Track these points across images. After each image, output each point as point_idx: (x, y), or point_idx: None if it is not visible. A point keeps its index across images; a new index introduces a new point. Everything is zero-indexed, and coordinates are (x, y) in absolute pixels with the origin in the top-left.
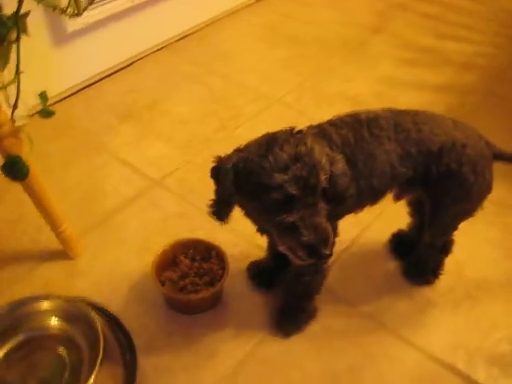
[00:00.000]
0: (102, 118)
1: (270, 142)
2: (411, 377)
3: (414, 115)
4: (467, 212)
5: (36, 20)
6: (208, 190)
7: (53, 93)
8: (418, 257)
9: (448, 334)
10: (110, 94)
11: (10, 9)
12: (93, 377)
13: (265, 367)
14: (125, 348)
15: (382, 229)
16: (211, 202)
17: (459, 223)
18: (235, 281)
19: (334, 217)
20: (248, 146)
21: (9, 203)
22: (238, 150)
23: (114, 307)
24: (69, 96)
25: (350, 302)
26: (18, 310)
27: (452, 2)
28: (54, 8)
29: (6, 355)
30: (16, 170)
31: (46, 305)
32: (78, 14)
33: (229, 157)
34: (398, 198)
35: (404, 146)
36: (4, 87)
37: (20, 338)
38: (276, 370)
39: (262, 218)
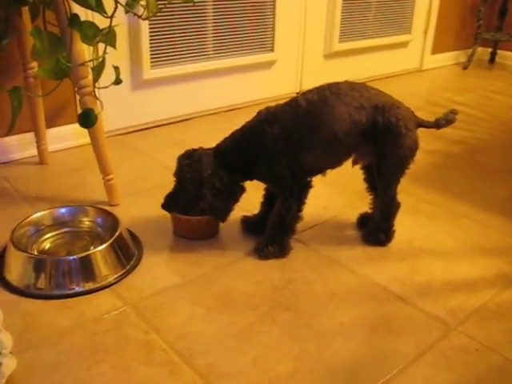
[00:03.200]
0: (156, 145)
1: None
2: (353, 290)
3: (363, 83)
4: (403, 161)
5: (121, 67)
6: None
7: (122, 125)
8: (373, 223)
9: (390, 272)
10: (165, 134)
11: None
12: (99, 248)
13: (238, 271)
14: (135, 247)
15: (355, 216)
16: None
17: (400, 175)
18: (232, 228)
19: (307, 165)
20: None
21: (83, 173)
22: None
23: (135, 232)
24: (135, 131)
25: (316, 248)
26: (67, 213)
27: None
28: (134, 14)
29: (52, 238)
30: (88, 119)
31: (86, 211)
32: (148, 18)
33: None
34: (355, 162)
35: (358, 100)
36: (97, 59)
37: (65, 229)
38: (247, 274)
39: None
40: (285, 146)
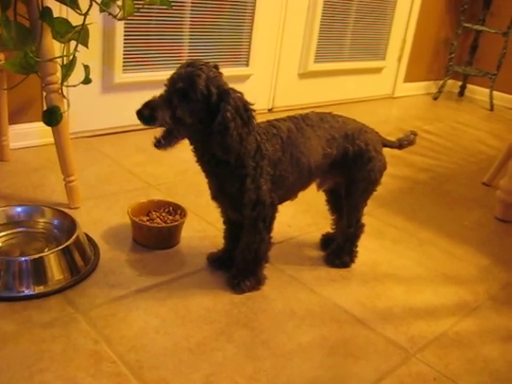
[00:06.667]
0: (122, 151)
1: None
2: (313, 311)
3: (329, 113)
4: (372, 183)
5: (93, 69)
6: (190, 194)
7: (89, 128)
8: (336, 244)
9: (352, 295)
10: (133, 141)
11: None
12: (51, 250)
13: (197, 283)
14: (92, 252)
15: (319, 236)
16: None
17: (367, 197)
18: (193, 239)
19: (282, 189)
20: None
21: (44, 173)
22: None
23: (93, 236)
24: (102, 135)
25: (277, 266)
26: (23, 212)
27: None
28: (109, 13)
29: (5, 237)
30: (52, 117)
31: (43, 212)
32: (123, 19)
33: None
34: (320, 186)
35: (330, 132)
36: (67, 55)
37: (19, 229)
38: (206, 287)
39: None
40: (271, 168)
